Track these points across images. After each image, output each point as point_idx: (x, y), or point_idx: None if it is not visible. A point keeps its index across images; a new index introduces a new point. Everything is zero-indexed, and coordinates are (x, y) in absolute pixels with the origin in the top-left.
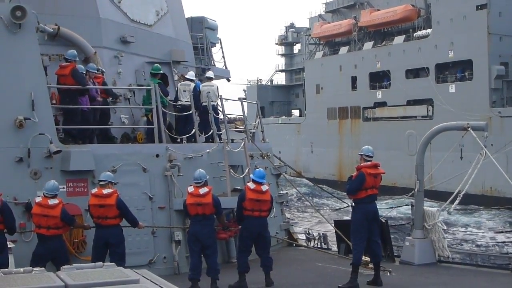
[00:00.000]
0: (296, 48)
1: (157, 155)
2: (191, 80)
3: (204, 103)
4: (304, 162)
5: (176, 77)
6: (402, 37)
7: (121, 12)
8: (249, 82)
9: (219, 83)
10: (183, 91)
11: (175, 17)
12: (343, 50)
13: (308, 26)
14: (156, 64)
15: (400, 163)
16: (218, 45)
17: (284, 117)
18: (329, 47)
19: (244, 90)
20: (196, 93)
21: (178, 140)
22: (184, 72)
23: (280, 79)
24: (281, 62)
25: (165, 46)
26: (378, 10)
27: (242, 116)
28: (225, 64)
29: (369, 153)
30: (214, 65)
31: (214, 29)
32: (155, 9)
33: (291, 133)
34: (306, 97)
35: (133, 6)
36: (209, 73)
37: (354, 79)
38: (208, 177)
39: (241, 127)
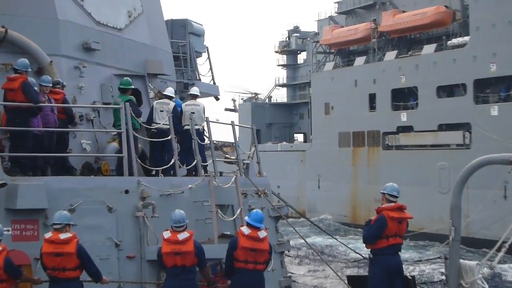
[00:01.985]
0: (301, 57)
1: (127, 191)
2: (170, 98)
3: (186, 127)
4: (309, 200)
5: (151, 94)
6: (433, 45)
7: (85, 12)
8: (242, 98)
9: (206, 102)
10: (160, 111)
11: (152, 19)
12: (359, 61)
13: (315, 31)
14: (126, 78)
15: (429, 203)
16: (204, 55)
17: (284, 143)
18: (341, 57)
19: (234, 100)
20: (177, 114)
21: (153, 172)
22: (161, 87)
23: (281, 95)
24: (282, 74)
25: (138, 55)
26: (404, 11)
27: (233, 143)
28: (213, 79)
29: (394, 192)
30: (200, 79)
31: (200, 34)
32: (127, 9)
33: (293, 163)
34: (312, 118)
35: (99, 5)
36: (194, 90)
37: (372, 97)
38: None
39: (232, 157)
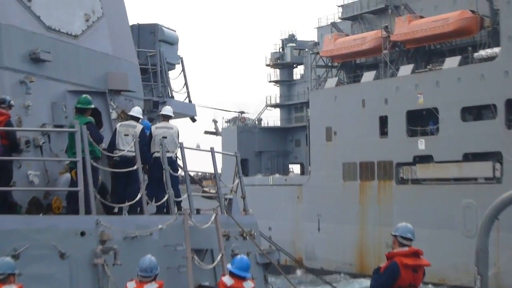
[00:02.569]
0: (297, 72)
1: (83, 233)
2: (137, 119)
3: (156, 154)
4: (307, 245)
5: (114, 115)
6: (457, 58)
7: (32, 16)
8: (227, 121)
9: (181, 124)
10: (125, 135)
11: (114, 24)
12: (368, 76)
13: (315, 40)
14: (84, 95)
15: (452, 249)
16: (178, 67)
17: (277, 175)
18: (346, 72)
19: (215, 121)
20: (145, 138)
21: (116, 209)
22: (126, 107)
23: (273, 117)
24: (275, 92)
25: (98, 68)
26: (421, 17)
27: (214, 174)
28: (188, 96)
29: (408, 233)
30: (173, 97)
31: (172, 42)
32: (84, 12)
33: (288, 199)
34: (311, 146)
35: (50, 7)
36: (165, 109)
37: (384, 121)
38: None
39: (212, 191)
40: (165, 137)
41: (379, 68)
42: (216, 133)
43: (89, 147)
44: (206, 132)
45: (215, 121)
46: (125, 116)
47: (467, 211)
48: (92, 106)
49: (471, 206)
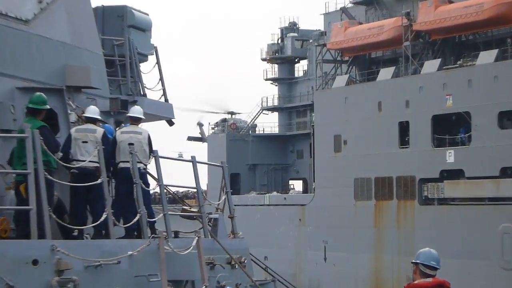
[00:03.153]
0: (300, 67)
1: (35, 262)
2: (94, 122)
3: (122, 164)
4: (311, 278)
5: (73, 117)
6: (494, 52)
7: None
8: (213, 127)
9: (154, 129)
10: (83, 142)
11: (73, 6)
12: (386, 73)
13: (321, 29)
14: (37, 93)
15: (487, 282)
16: (152, 59)
17: (275, 193)
18: (359, 68)
19: (200, 124)
20: (107, 145)
21: (75, 232)
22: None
23: (270, 123)
24: (272, 92)
25: (53, 59)
26: (450, 2)
27: (195, 190)
28: (164, 94)
29: (431, 261)
30: (145, 95)
31: (145, 29)
32: None
33: (288, 223)
34: (316, 157)
35: None
36: (134, 110)
37: (404, 128)
38: None
39: (194, 210)
40: (132, 144)
41: (399, 64)
42: (202, 139)
43: (43, 156)
44: (189, 139)
45: (200, 125)
46: (83, 118)
47: (506, 238)
48: (47, 106)
49: (511, 232)
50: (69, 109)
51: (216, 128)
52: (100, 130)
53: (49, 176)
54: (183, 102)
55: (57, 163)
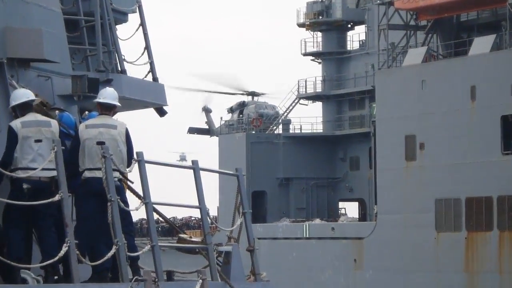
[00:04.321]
0: (355, 37)
1: None
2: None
3: (89, 174)
4: None
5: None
6: None
7: None
8: (230, 111)
9: (137, 119)
10: (35, 141)
11: None
12: (482, 44)
13: None
14: None
15: None
16: (133, 19)
17: (318, 221)
18: (443, 37)
19: (206, 109)
20: (69, 145)
21: (23, 274)
22: (40, 89)
23: (311, 117)
24: (313, 72)
25: None
26: None
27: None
28: (152, 70)
29: None
30: (125, 71)
31: None
32: None
33: (337, 264)
34: (378, 168)
35: None
36: (105, 94)
37: (510, 124)
38: None
39: (196, 239)
40: (101, 143)
41: (501, 31)
42: (209, 131)
43: None
44: (191, 130)
45: (206, 110)
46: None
47: None
48: None
49: None
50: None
51: (229, 118)
52: (53, 123)
53: None
54: (180, 79)
55: None
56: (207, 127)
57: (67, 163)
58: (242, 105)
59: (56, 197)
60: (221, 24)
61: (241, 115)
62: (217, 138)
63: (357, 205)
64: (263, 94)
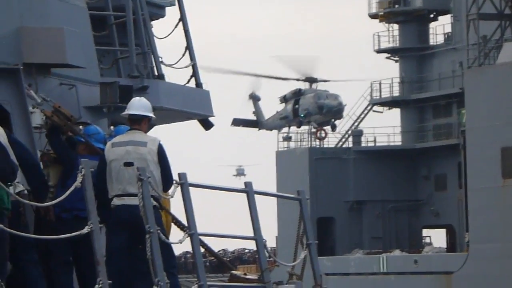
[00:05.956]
0: (438, 29)
1: None
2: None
3: (118, 201)
4: None
5: (38, 117)
6: None
7: None
8: (283, 100)
9: (180, 133)
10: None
11: None
12: None
13: None
14: None
15: None
16: (172, 12)
17: (398, 252)
18: None
19: (254, 98)
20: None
21: None
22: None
23: (387, 128)
24: (389, 73)
25: (2, 20)
26: None
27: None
28: (195, 73)
29: None
30: (162, 75)
31: None
32: None
33: None
34: (469, 189)
35: None
36: (134, 104)
37: None
38: None
39: (251, 277)
40: (130, 163)
41: None
42: (257, 123)
43: None
44: (236, 122)
45: (254, 98)
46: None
47: None
48: None
49: None
50: (31, 104)
51: (285, 105)
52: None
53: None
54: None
55: (10, 200)
56: (254, 118)
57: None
58: (297, 94)
59: (85, 230)
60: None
61: (296, 105)
62: (274, 152)
63: (445, 232)
64: (323, 80)
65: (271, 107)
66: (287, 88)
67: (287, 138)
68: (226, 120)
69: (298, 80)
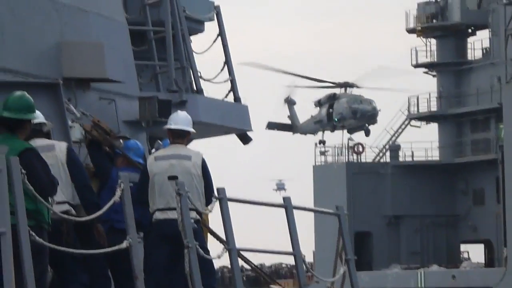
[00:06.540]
0: (477, 44)
1: None
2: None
3: (160, 215)
4: None
5: (78, 131)
6: None
7: None
8: (318, 104)
9: (221, 149)
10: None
11: None
12: None
13: None
14: (17, 93)
15: None
16: (210, 27)
17: (436, 267)
18: None
19: (289, 102)
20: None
21: None
22: (103, 114)
23: (424, 142)
24: (427, 88)
25: (42, 33)
26: None
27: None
28: (233, 87)
29: None
30: (201, 90)
31: None
32: None
33: None
34: (508, 203)
35: None
36: (177, 119)
37: None
38: None
39: None
40: (174, 177)
41: None
42: (291, 126)
43: (28, 203)
44: (271, 126)
45: (289, 102)
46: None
47: None
48: (34, 115)
49: None
50: (70, 118)
51: (321, 108)
52: (60, 146)
53: (39, 239)
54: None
55: (50, 216)
56: (289, 122)
57: (135, 202)
58: (332, 98)
59: (124, 244)
60: (310, 32)
61: (330, 110)
62: (311, 167)
63: (483, 247)
64: (357, 86)
65: (306, 112)
66: (322, 93)
67: (323, 153)
68: (261, 124)
69: (333, 83)
